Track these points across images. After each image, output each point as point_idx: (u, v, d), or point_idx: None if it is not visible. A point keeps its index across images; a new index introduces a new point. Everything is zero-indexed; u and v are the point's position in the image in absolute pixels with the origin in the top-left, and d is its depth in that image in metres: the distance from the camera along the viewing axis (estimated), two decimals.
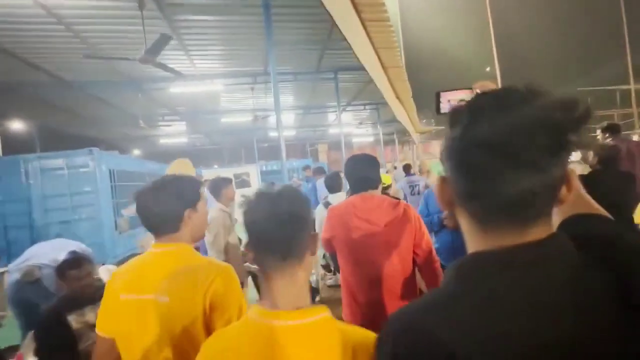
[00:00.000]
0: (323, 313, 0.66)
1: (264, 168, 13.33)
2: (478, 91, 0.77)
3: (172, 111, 10.82)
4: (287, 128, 14.11)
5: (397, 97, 7.77)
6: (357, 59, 4.40)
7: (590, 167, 2.53)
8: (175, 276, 0.96)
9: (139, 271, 1.01)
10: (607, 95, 13.07)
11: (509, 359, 0.38)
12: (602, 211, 0.54)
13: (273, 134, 15.75)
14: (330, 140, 19.70)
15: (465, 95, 0.86)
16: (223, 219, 2.67)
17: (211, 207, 2.97)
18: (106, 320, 1.02)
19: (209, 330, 0.94)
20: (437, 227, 2.30)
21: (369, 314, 1.50)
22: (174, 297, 0.94)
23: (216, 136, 16.97)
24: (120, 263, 3.33)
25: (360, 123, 14.88)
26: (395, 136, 17.88)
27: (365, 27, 4.35)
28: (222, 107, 10.80)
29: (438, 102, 0.96)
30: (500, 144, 0.39)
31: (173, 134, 14.71)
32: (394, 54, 5.22)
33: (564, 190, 0.43)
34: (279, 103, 4.26)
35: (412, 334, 0.42)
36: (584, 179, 1.33)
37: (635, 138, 8.05)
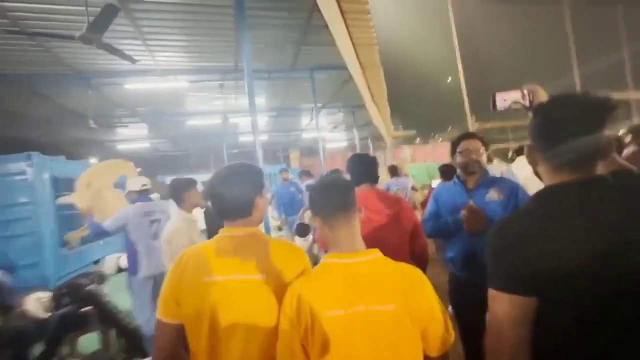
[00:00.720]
0: (378, 252, 0.98)
1: None
2: (525, 91, 1.05)
3: (131, 112, 9.85)
4: (259, 132, 13.53)
5: (373, 99, 7.58)
6: (336, 51, 4.07)
7: None
8: (266, 255, 1.03)
9: (220, 254, 1.03)
10: None
11: (566, 251, 0.71)
12: (630, 167, 0.96)
13: (244, 139, 15.07)
14: (303, 146, 19.31)
15: (516, 95, 1.07)
16: (188, 232, 2.11)
17: (173, 217, 2.41)
18: (175, 305, 1.01)
19: None
20: (452, 232, 1.93)
21: None
22: (269, 274, 1.00)
23: (182, 141, 15.94)
24: (66, 286, 2.66)
25: (335, 127, 14.66)
26: (369, 141, 17.89)
27: (345, 20, 4.04)
28: (187, 108, 10.02)
29: (494, 101, 1.10)
30: (569, 121, 0.77)
31: (133, 138, 13.54)
32: (373, 50, 4.97)
33: (606, 147, 0.77)
34: (254, 103, 3.78)
35: (505, 231, 0.80)
36: None
37: None
